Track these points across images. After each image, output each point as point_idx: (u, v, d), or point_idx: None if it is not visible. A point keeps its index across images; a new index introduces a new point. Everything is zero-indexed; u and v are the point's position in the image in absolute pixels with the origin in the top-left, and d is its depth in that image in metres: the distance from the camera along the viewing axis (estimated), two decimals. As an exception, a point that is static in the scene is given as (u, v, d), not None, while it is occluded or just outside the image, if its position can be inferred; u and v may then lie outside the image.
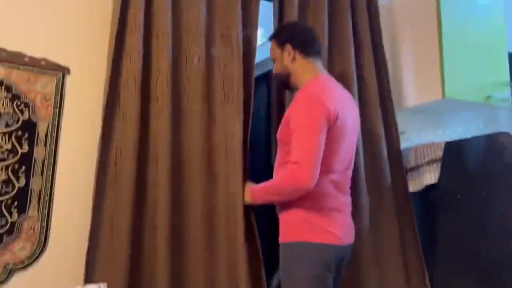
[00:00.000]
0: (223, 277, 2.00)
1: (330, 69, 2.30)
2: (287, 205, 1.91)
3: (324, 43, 2.33)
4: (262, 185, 1.98)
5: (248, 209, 2.05)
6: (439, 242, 2.29)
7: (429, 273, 2.30)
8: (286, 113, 1.94)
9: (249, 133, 2.12)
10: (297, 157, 1.79)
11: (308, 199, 1.85)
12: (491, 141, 2.13)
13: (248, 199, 2.01)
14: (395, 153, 2.39)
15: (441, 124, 2.79)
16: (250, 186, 2.03)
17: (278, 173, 1.95)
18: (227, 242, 2.02)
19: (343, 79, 2.24)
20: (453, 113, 2.77)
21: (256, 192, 2.00)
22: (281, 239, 1.92)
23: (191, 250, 2.01)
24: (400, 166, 2.39)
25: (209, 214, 2.03)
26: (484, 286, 2.05)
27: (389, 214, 2.33)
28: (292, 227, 1.89)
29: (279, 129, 1.96)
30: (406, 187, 2.37)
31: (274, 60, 2.07)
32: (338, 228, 1.88)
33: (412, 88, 2.59)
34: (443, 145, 2.28)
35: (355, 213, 2.07)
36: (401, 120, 2.48)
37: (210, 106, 2.11)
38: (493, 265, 2.04)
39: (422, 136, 2.68)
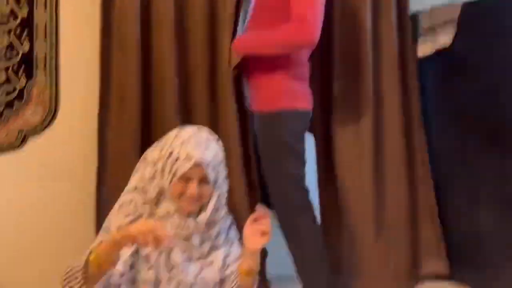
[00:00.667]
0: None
1: None
2: (270, 70, 1.83)
3: None
4: (255, 34, 1.87)
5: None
6: (450, 106, 2.27)
7: (437, 139, 2.31)
8: None
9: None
10: (306, 13, 1.72)
11: (292, 65, 1.82)
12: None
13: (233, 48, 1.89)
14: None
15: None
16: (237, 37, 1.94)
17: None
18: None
19: None
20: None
21: (245, 41, 1.89)
22: (264, 107, 1.86)
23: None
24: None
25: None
26: (495, 148, 2.07)
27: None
28: (278, 94, 1.84)
29: None
30: None
31: None
32: (311, 95, 1.91)
33: None
34: (460, 6, 2.18)
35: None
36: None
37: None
38: (506, 130, 2.05)
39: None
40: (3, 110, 1.89)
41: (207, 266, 1.51)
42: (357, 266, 2.23)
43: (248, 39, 1.89)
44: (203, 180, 1.46)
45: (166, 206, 1.48)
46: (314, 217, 1.92)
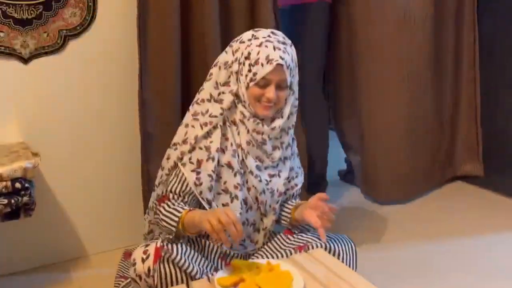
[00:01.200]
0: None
1: None
2: None
3: None
4: None
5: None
6: (503, 5, 2.13)
7: (489, 37, 2.19)
8: None
9: None
10: None
11: None
12: None
13: None
14: None
15: None
16: None
17: None
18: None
19: None
20: None
21: None
22: None
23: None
24: None
25: None
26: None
27: None
28: None
29: None
30: None
31: None
32: None
33: None
34: None
35: None
36: None
37: None
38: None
39: None
40: (42, 10, 1.86)
41: (276, 176, 1.53)
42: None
43: None
44: (281, 83, 1.42)
45: (242, 110, 1.46)
46: None
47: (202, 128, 1.46)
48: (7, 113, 1.87)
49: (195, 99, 1.53)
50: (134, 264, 1.34)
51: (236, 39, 1.49)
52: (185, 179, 1.44)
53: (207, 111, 1.47)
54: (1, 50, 1.82)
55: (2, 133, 1.87)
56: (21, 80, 1.87)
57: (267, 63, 1.38)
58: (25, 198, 1.61)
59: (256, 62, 1.40)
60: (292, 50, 1.46)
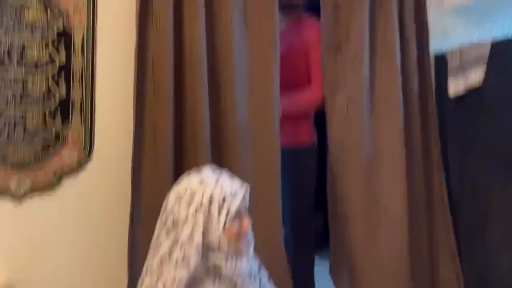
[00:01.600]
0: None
1: None
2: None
3: None
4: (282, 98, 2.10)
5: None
6: (477, 144, 2.26)
7: (466, 169, 2.29)
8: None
9: None
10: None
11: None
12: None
13: None
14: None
15: (488, 20, 2.63)
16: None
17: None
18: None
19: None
20: (501, 7, 2.59)
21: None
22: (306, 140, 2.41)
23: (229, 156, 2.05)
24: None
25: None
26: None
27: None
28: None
29: None
30: None
31: None
32: None
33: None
34: (490, 45, 2.17)
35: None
36: (444, 20, 2.34)
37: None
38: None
39: (467, 36, 2.55)
40: (40, 152, 1.94)
41: None
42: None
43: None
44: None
45: (215, 258, 1.39)
46: None
47: None
48: (-5, 253, 1.88)
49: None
50: None
51: (177, 196, 1.44)
52: None
53: (173, 278, 1.37)
54: (-4, 190, 1.87)
55: (-12, 274, 1.85)
56: (12, 219, 1.90)
57: (236, 194, 1.39)
58: None
59: (225, 199, 1.38)
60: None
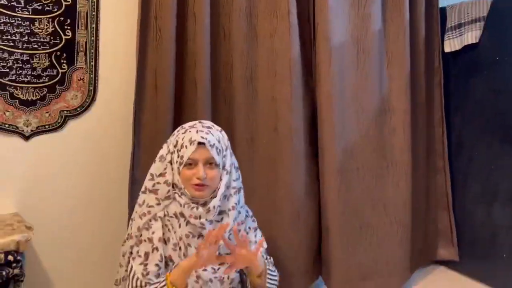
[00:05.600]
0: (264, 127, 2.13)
1: None
2: None
3: None
4: None
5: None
6: (470, 101, 2.32)
7: (458, 130, 2.37)
8: None
9: None
10: None
11: None
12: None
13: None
14: None
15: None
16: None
17: None
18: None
19: None
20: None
21: None
22: None
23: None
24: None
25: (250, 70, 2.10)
26: (509, 145, 2.13)
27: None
28: None
29: None
30: None
31: None
32: None
33: None
34: (489, 3, 2.19)
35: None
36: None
37: None
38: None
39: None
40: (46, 93, 2.01)
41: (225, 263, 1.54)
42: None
43: None
44: (209, 162, 1.51)
45: (178, 200, 1.53)
46: None
47: (141, 218, 1.54)
48: (3, 185, 1.98)
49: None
50: None
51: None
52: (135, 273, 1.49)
53: (143, 202, 1.57)
54: (5, 128, 1.96)
55: (-1, 206, 1.96)
56: (20, 155, 1.99)
57: (190, 144, 1.51)
58: (16, 270, 1.68)
59: (182, 146, 1.53)
60: (219, 133, 1.59)
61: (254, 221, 1.70)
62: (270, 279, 1.62)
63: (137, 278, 1.48)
